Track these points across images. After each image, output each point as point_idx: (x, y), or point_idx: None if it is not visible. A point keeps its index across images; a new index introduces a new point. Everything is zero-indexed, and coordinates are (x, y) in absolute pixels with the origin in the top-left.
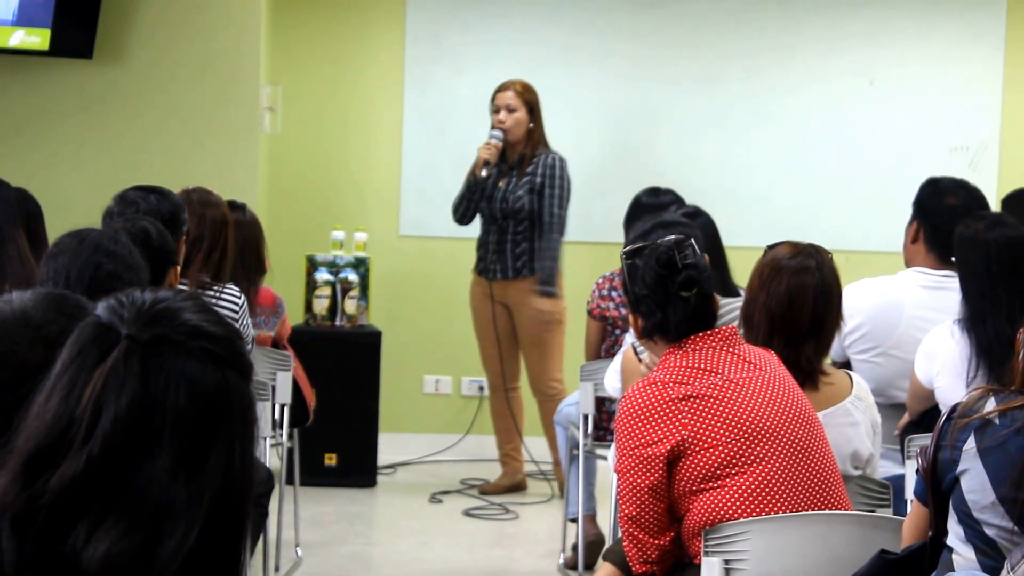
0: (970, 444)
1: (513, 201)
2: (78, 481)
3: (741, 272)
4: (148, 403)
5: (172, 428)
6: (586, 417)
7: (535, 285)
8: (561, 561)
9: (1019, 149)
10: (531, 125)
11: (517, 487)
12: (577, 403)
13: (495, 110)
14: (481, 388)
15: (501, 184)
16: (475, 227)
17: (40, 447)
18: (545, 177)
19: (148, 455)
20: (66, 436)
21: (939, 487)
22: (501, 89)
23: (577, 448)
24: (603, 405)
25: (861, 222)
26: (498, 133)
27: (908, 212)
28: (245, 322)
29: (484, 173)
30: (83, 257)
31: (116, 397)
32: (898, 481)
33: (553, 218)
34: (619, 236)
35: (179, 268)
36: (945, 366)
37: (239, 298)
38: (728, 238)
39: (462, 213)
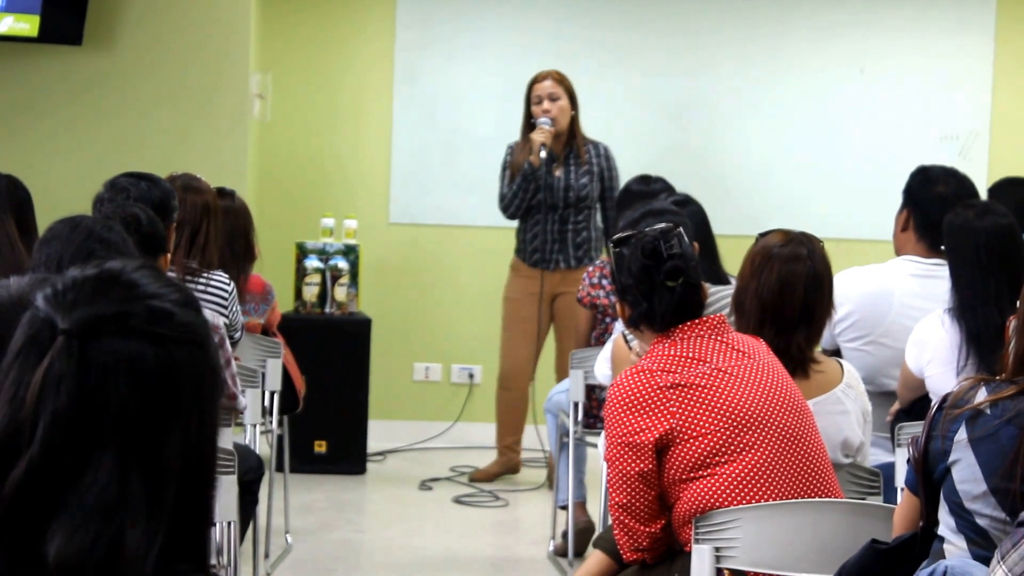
0: (961, 434)
1: (579, 189)
2: (24, 486)
3: (731, 260)
4: (87, 401)
5: (116, 422)
6: (576, 405)
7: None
8: (551, 548)
9: (1009, 138)
10: (573, 112)
11: (509, 471)
12: (567, 391)
13: (536, 101)
14: (471, 376)
15: (558, 174)
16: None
17: None
18: (604, 168)
19: (92, 453)
20: (15, 440)
21: (930, 477)
22: (538, 80)
23: (567, 436)
24: (593, 393)
25: (850, 210)
26: (547, 120)
27: (898, 200)
28: (234, 309)
29: (543, 155)
30: (76, 243)
31: (54, 398)
32: (888, 469)
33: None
34: None
35: (169, 255)
36: (936, 355)
37: (228, 285)
38: (718, 226)
39: (517, 206)
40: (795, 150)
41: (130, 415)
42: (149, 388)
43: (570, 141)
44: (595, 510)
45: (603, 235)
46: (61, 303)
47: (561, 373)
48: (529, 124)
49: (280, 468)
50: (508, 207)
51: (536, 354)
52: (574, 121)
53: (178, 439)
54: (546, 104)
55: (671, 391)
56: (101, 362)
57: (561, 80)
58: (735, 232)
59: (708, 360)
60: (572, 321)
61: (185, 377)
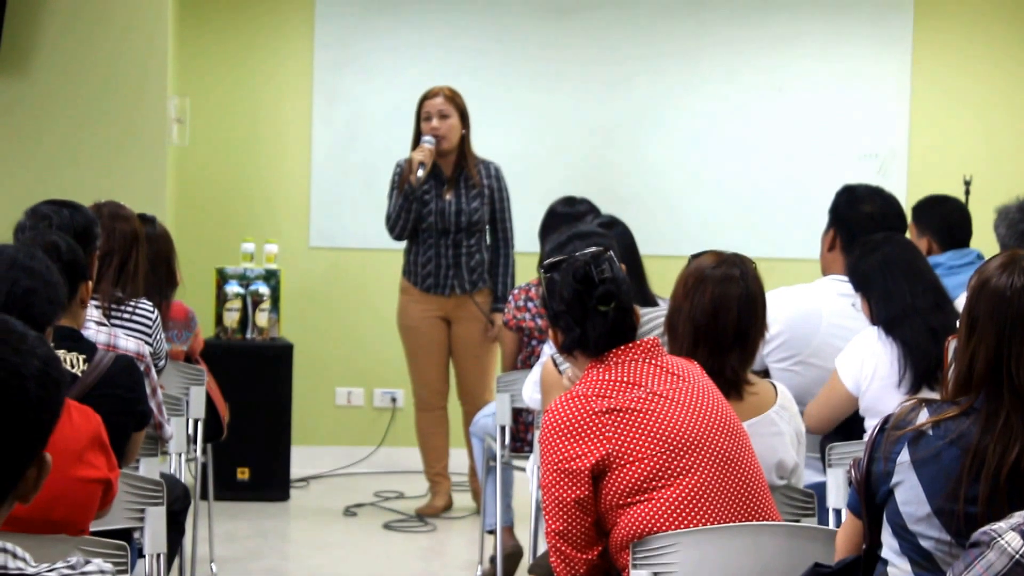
0: (904, 456)
1: (471, 213)
2: None
3: (657, 281)
4: None
5: None
6: (503, 428)
7: (487, 298)
8: (479, 573)
9: (927, 156)
10: (464, 131)
11: (450, 507)
12: (494, 414)
13: (425, 117)
14: (394, 400)
15: (449, 197)
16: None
17: None
18: (494, 190)
19: None
20: None
21: (873, 499)
22: (429, 96)
23: (494, 460)
24: (520, 416)
25: (771, 229)
26: (430, 139)
27: (819, 219)
28: (159, 337)
29: (420, 174)
30: None
31: None
32: (819, 489)
33: (508, 234)
34: (533, 245)
35: (91, 283)
36: (878, 371)
37: (152, 313)
38: (643, 246)
39: (401, 227)
40: (715, 168)
41: None
42: None
43: (460, 162)
44: (523, 535)
45: (493, 257)
46: None
47: (466, 400)
48: (418, 141)
49: (204, 496)
50: (393, 227)
51: (447, 375)
52: (464, 141)
53: None
54: (435, 122)
55: (606, 416)
56: None
57: (452, 97)
58: (659, 252)
59: (643, 384)
60: (469, 348)
61: None
